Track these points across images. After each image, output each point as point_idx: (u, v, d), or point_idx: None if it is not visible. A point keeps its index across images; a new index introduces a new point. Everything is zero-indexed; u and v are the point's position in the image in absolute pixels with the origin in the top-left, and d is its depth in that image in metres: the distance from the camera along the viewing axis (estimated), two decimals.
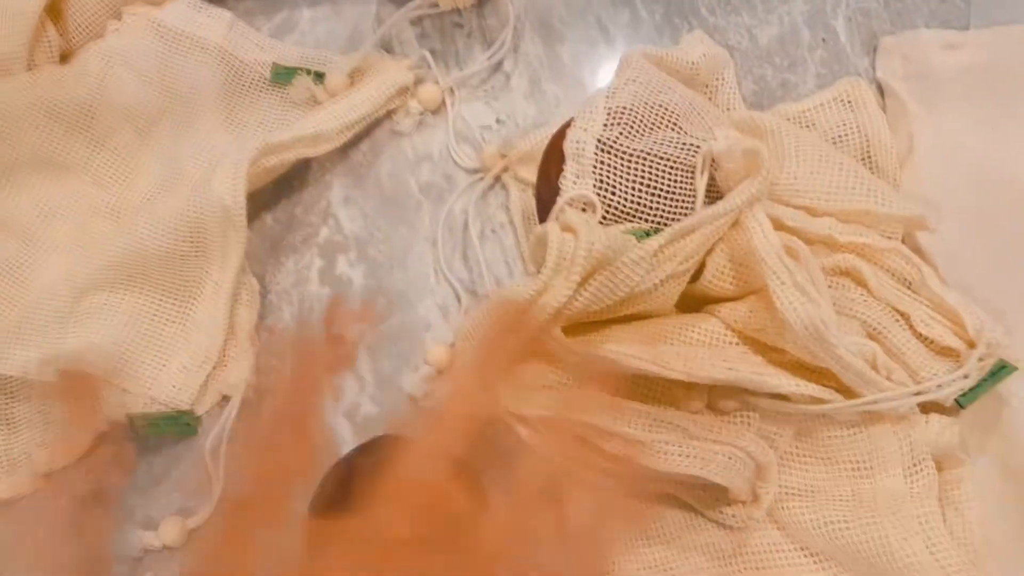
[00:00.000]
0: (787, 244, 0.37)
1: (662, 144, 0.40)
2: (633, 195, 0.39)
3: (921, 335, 0.39)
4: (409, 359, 0.46)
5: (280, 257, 0.49)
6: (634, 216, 0.39)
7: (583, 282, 0.36)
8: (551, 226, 0.36)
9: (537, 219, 0.43)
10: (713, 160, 0.40)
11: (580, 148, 0.39)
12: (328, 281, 0.48)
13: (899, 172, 0.44)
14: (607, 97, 0.41)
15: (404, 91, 0.51)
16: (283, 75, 0.50)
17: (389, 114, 0.51)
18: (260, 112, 0.50)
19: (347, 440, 0.45)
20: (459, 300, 0.47)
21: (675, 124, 0.41)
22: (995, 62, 0.44)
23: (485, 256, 0.47)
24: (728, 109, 0.47)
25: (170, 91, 0.49)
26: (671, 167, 0.40)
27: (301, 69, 0.50)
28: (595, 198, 0.39)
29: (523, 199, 0.47)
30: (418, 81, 0.51)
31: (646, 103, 0.41)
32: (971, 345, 0.38)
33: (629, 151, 0.40)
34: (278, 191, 0.50)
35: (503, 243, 0.48)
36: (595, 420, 0.36)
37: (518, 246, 0.48)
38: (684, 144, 0.40)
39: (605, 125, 0.40)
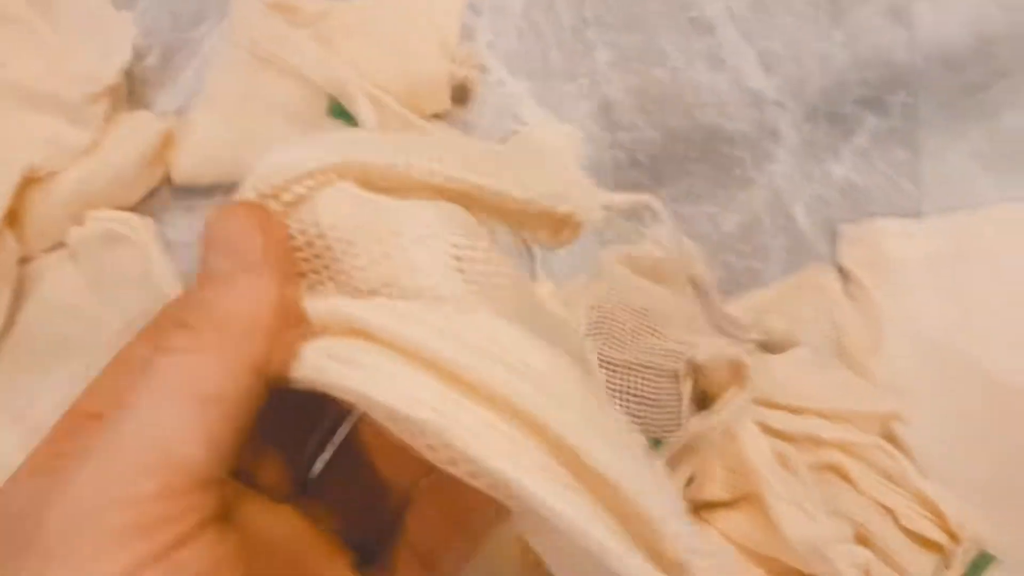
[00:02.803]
0: (778, 451, 0.38)
1: (646, 352, 0.41)
2: (621, 406, 0.40)
3: (906, 529, 0.40)
4: None
5: None
6: None
7: None
8: None
9: None
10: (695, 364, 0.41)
11: None
12: None
13: (869, 360, 0.45)
14: (591, 307, 0.42)
15: None
16: None
17: None
18: None
19: None
20: None
21: (655, 329, 0.42)
22: (954, 250, 0.46)
23: None
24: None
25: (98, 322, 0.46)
26: (656, 375, 0.41)
27: None
28: None
29: None
30: None
31: (627, 310, 0.42)
32: (953, 537, 0.39)
33: (616, 362, 0.41)
34: None
35: None
36: None
37: None
38: (667, 350, 0.41)
39: (589, 335, 0.41)
